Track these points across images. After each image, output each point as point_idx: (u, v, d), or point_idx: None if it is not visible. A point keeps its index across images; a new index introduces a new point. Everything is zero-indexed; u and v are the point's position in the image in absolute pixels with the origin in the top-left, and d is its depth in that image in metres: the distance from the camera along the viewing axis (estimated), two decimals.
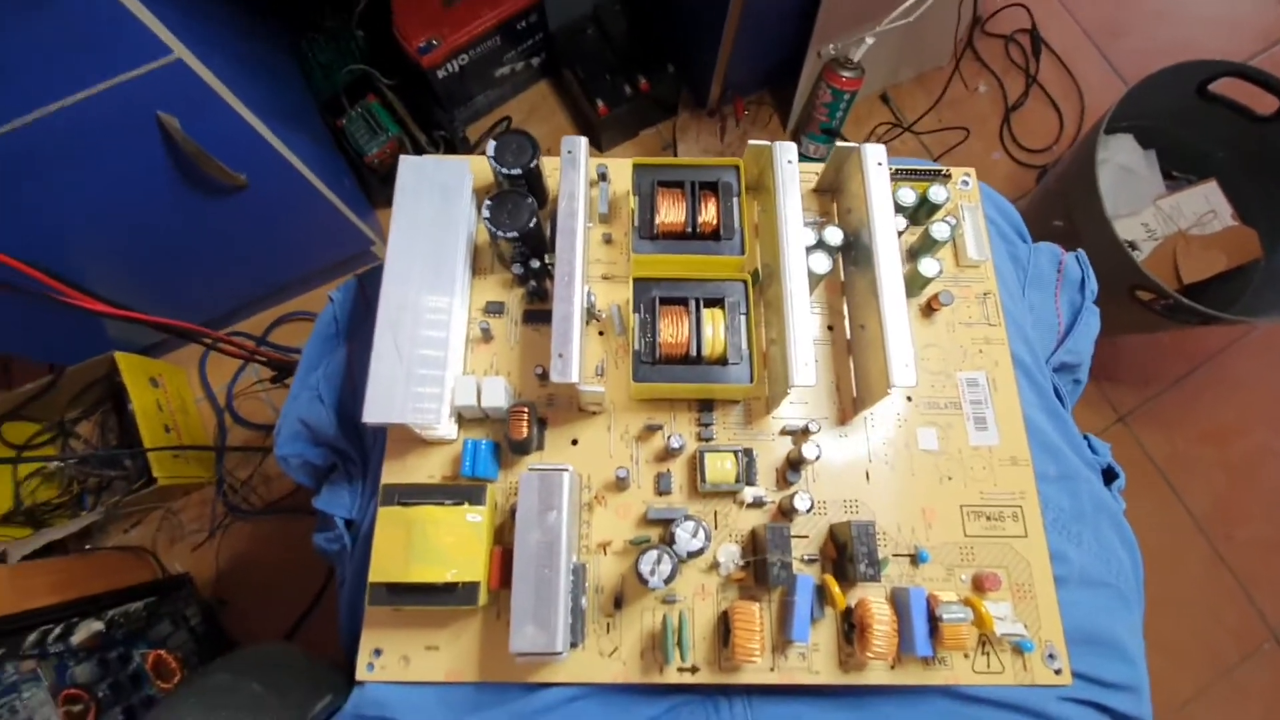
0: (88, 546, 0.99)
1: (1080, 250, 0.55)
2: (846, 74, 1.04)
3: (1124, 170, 1.09)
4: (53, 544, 0.89)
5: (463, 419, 0.44)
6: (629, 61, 1.10)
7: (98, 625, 0.82)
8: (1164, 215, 1.08)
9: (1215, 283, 1.04)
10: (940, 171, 0.48)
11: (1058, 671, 0.39)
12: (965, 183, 0.50)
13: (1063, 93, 1.28)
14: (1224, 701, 1.03)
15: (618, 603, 0.40)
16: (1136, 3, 1.34)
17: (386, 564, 0.37)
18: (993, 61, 1.28)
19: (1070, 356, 0.53)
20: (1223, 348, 1.18)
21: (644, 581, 0.36)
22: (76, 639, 0.79)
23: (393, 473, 0.43)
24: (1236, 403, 1.15)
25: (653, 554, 0.37)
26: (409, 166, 0.43)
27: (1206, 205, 1.08)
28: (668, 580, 0.36)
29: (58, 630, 0.78)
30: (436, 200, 0.43)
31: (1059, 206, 1.01)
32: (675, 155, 1.18)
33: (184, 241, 0.85)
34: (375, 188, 1.10)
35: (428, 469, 0.43)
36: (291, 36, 1.08)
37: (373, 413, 0.38)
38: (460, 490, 0.39)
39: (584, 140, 0.44)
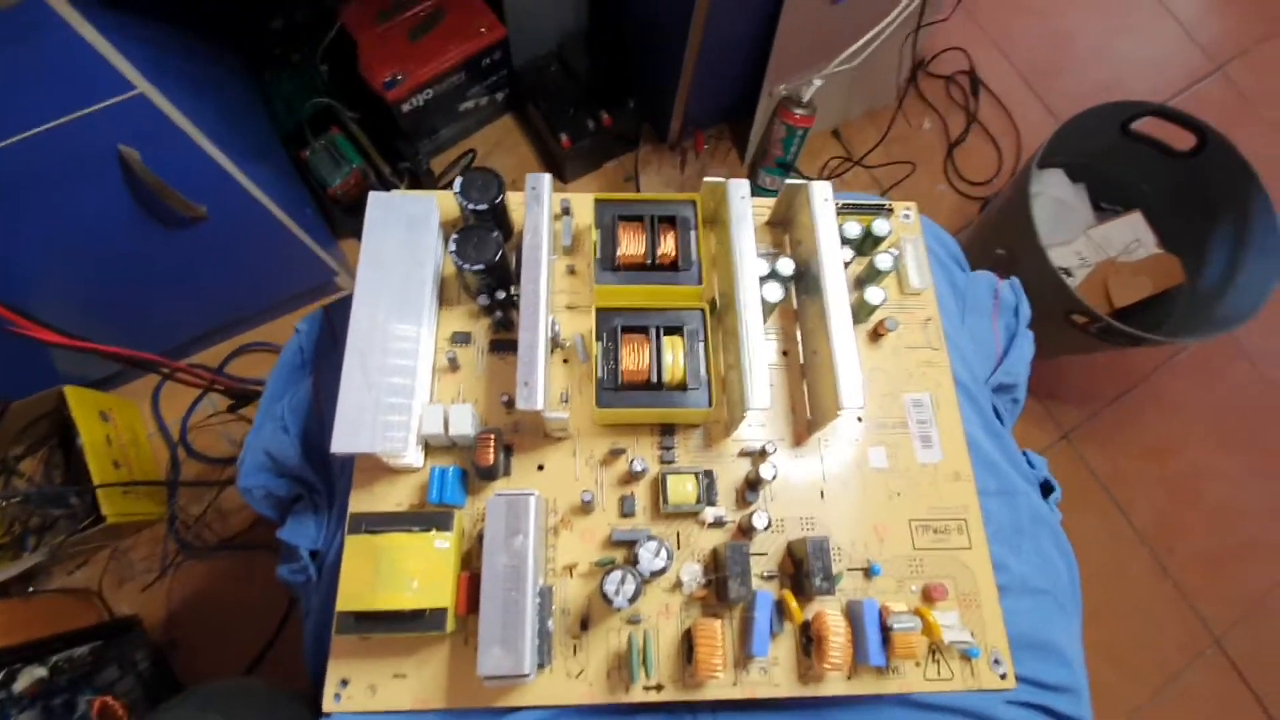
0: (30, 589, 0.95)
1: (1014, 278, 0.59)
2: (799, 111, 1.09)
3: (1057, 202, 1.16)
4: None
5: (429, 447, 0.45)
6: (591, 97, 1.14)
7: (41, 672, 0.79)
8: (1094, 244, 1.16)
9: (1143, 307, 1.12)
10: (884, 206, 0.51)
11: (1003, 676, 0.41)
12: (907, 216, 0.53)
13: (1001, 129, 1.36)
14: (1173, 707, 1.07)
15: (584, 624, 0.41)
16: (1067, 46, 1.44)
17: (354, 592, 0.37)
18: (936, 100, 1.36)
19: (1007, 378, 0.57)
20: (1155, 367, 1.25)
21: (609, 602, 0.38)
22: (19, 686, 0.76)
23: (360, 502, 0.43)
24: (1172, 421, 1.22)
25: (617, 575, 0.38)
26: (377, 202, 0.44)
27: (1133, 234, 1.16)
28: (632, 600, 0.38)
29: None
30: (404, 233, 0.44)
31: (1000, 236, 1.07)
32: (637, 186, 1.21)
33: (143, 273, 0.84)
34: (339, 219, 1.10)
35: (395, 497, 0.43)
36: (254, 69, 1.08)
37: (341, 442, 0.39)
38: (427, 517, 0.40)
39: (548, 177, 0.46)
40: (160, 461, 1.05)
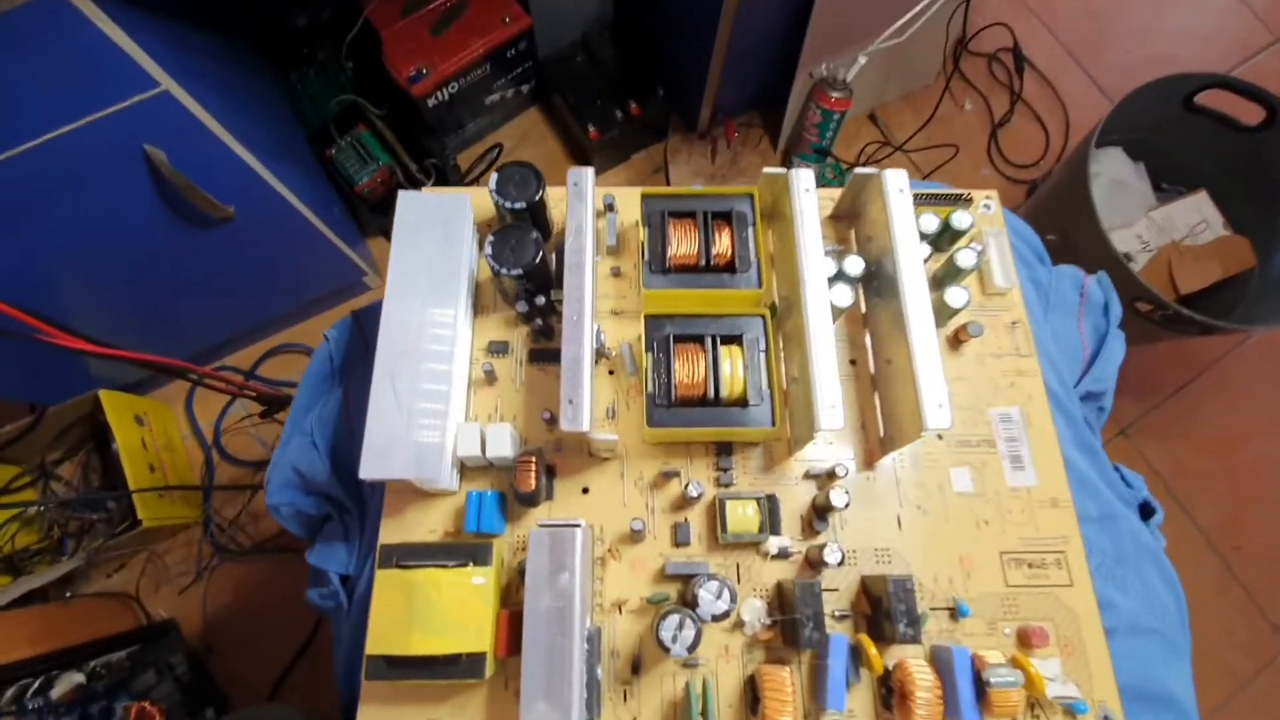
0: (68, 594, 0.95)
1: (1103, 273, 0.54)
2: (836, 94, 1.03)
3: (1115, 183, 1.08)
4: (32, 592, 0.85)
5: (465, 468, 0.41)
6: (618, 86, 1.10)
7: (79, 677, 0.79)
8: (1157, 226, 1.08)
9: (1210, 292, 1.04)
10: (961, 195, 0.46)
11: None
12: (988, 206, 0.48)
13: (1047, 108, 1.28)
14: (1243, 717, 0.99)
15: (635, 668, 0.37)
16: (1115, 19, 1.35)
17: (385, 634, 0.34)
18: (978, 80, 1.29)
19: (1096, 385, 0.51)
20: (1219, 357, 1.16)
21: (665, 650, 0.33)
22: (56, 693, 0.76)
23: (391, 529, 0.40)
24: (1237, 412, 1.14)
25: (674, 619, 0.34)
26: (408, 202, 0.41)
27: (1198, 215, 1.08)
28: (691, 648, 0.33)
29: (36, 684, 0.75)
30: (437, 236, 0.41)
31: (1052, 220, 1.00)
32: (667, 177, 1.17)
33: (172, 274, 0.83)
34: (366, 217, 1.08)
35: (429, 523, 0.40)
36: (280, 69, 1.07)
37: (370, 468, 0.35)
38: (464, 549, 0.36)
39: (590, 171, 0.41)
40: (195, 465, 1.05)
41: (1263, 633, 1.04)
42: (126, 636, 0.88)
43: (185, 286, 0.87)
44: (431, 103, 1.01)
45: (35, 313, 0.66)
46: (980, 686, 0.34)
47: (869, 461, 0.42)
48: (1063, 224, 0.97)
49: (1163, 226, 1.08)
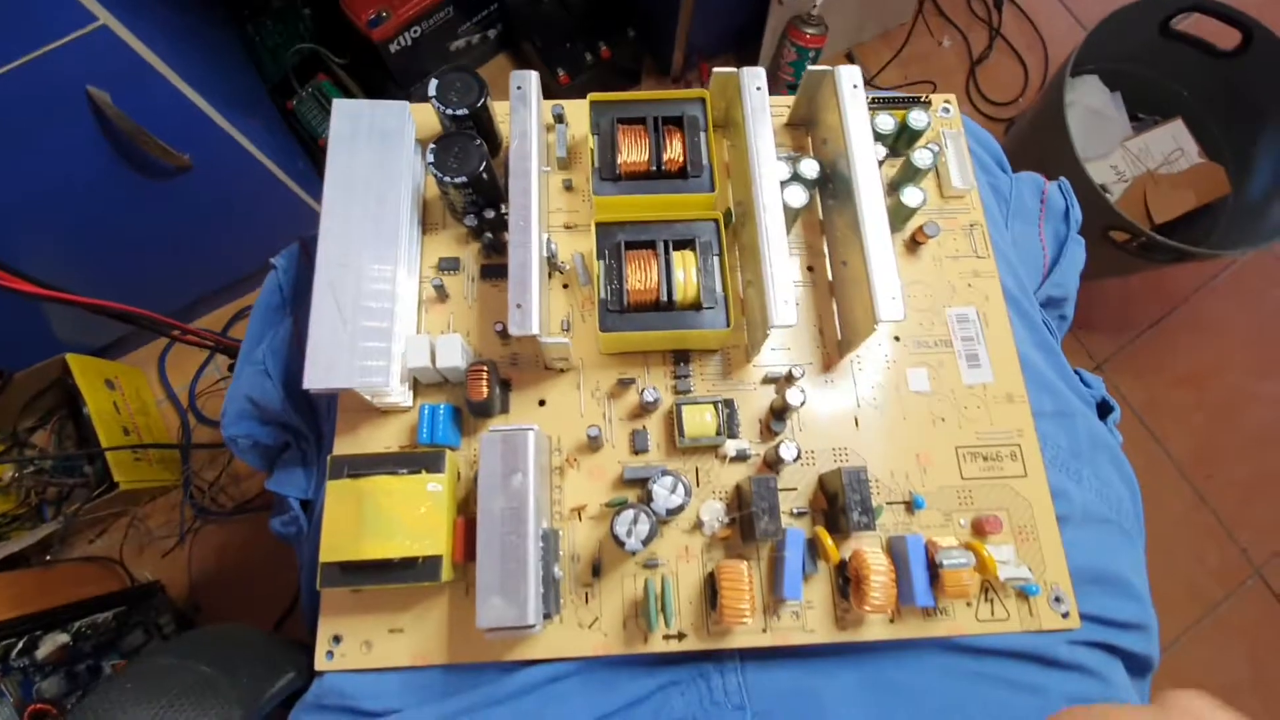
0: (47, 558, 0.95)
1: (1063, 179, 0.53)
2: (811, 31, 1.01)
3: (1092, 113, 1.07)
4: (14, 559, 0.85)
5: (419, 385, 0.41)
6: (588, 28, 1.07)
7: (64, 638, 0.79)
8: (1132, 156, 1.07)
9: (1186, 221, 1.04)
10: (919, 99, 0.45)
11: (1065, 615, 0.37)
12: (946, 110, 0.47)
13: (1026, 44, 1.27)
14: (1210, 639, 1.02)
15: (596, 570, 0.37)
16: None
17: (337, 542, 0.34)
18: (956, 15, 1.27)
19: (1057, 290, 0.51)
20: (1194, 290, 1.17)
21: (621, 544, 0.33)
22: (42, 653, 0.76)
23: (345, 446, 0.39)
24: (1211, 344, 1.15)
25: (629, 514, 0.34)
26: (343, 112, 0.39)
27: (1174, 144, 1.07)
28: (646, 541, 0.34)
29: (20, 645, 0.75)
30: (376, 147, 0.39)
31: (1028, 155, 1.00)
32: None
33: (132, 227, 0.81)
34: None
35: (383, 440, 0.39)
36: (237, 22, 1.03)
37: (315, 378, 0.35)
38: (417, 458, 0.36)
39: (534, 75, 0.40)
40: (171, 429, 1.04)
41: (1232, 558, 1.06)
42: (111, 598, 0.88)
43: (148, 240, 0.85)
44: (394, 48, 0.98)
45: None
46: (934, 570, 0.34)
47: (827, 365, 0.42)
48: (1040, 156, 0.96)
49: (1138, 156, 1.08)
